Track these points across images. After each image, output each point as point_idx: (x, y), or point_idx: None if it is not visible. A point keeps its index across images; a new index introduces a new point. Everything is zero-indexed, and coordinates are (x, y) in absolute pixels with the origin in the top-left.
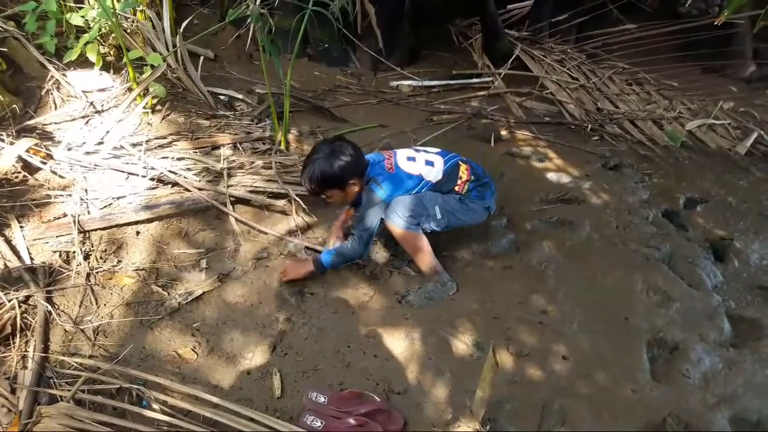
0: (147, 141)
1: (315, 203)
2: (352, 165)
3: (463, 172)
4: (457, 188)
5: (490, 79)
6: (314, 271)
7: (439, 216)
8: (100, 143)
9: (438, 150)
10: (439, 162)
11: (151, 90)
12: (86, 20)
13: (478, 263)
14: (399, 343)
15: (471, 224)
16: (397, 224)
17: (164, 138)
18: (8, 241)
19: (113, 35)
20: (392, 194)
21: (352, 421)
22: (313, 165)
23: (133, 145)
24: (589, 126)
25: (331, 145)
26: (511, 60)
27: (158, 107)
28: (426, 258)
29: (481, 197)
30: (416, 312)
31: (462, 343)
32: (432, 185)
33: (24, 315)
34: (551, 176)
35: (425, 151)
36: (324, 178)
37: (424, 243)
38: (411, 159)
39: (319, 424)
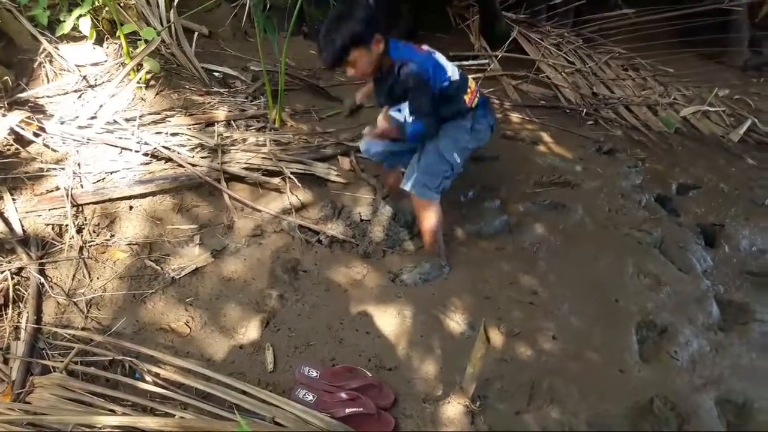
0: (140, 116)
1: (309, 182)
2: (373, 16)
3: (472, 83)
4: (467, 99)
5: (487, 61)
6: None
7: (459, 160)
8: (93, 117)
9: None
10: (452, 65)
11: (144, 65)
12: None
13: (470, 243)
14: (391, 320)
15: (478, 148)
16: (429, 197)
17: (158, 113)
18: (0, 213)
19: (106, 9)
20: (424, 65)
21: (343, 395)
22: (334, 25)
23: (127, 120)
24: (584, 110)
25: (344, 6)
26: (508, 43)
27: (152, 82)
28: (436, 234)
29: (484, 114)
30: (408, 291)
31: (453, 322)
32: (450, 84)
33: (16, 287)
34: (545, 159)
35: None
36: (351, 35)
37: (439, 218)
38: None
39: (311, 397)
